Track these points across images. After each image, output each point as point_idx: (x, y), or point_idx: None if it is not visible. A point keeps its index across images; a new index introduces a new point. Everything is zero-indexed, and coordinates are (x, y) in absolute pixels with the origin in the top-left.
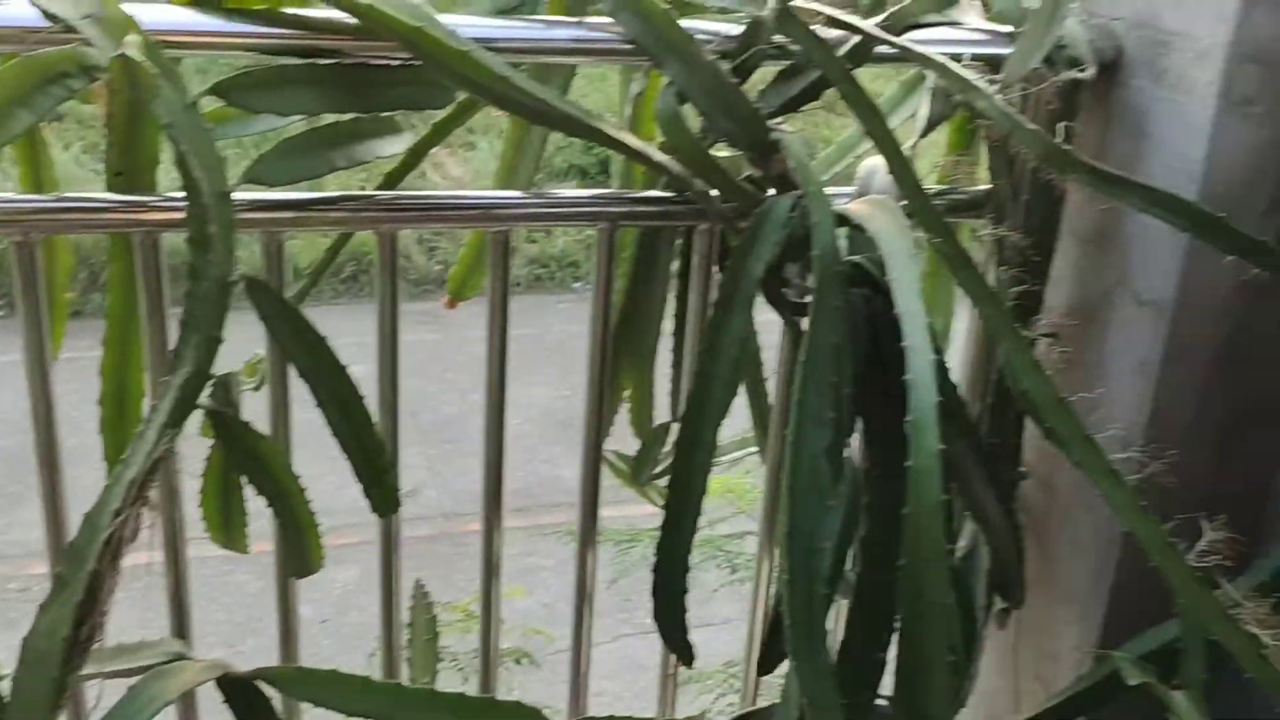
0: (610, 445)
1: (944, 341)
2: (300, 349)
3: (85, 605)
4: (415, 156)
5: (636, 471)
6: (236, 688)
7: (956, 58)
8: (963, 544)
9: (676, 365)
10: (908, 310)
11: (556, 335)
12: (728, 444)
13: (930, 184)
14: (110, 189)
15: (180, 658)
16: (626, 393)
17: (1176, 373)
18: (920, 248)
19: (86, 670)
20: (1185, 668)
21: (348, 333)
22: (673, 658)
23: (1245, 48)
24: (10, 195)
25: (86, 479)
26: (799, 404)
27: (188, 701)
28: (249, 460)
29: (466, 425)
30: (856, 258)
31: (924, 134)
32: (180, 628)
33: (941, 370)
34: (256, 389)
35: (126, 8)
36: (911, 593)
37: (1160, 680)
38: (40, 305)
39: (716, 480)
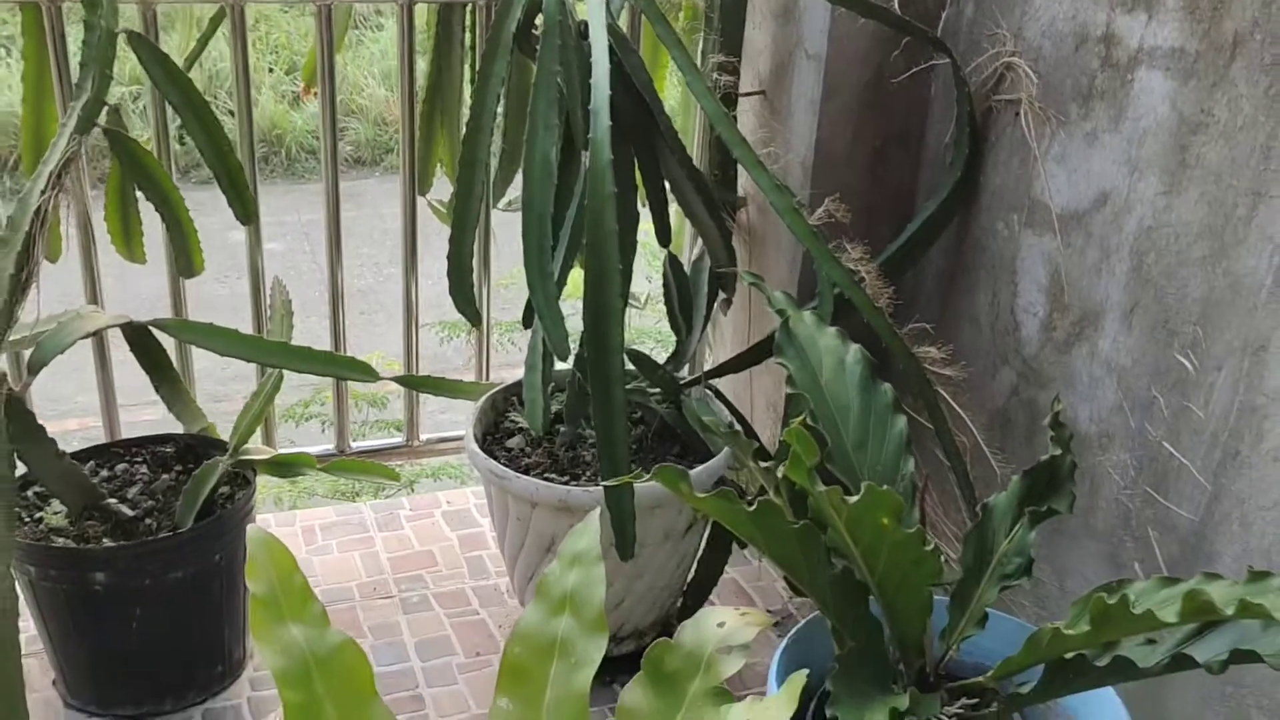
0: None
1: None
2: (172, 88)
3: (22, 257)
4: None
5: (450, 209)
6: (137, 334)
7: None
8: (696, 251)
9: None
10: (596, 58)
11: None
12: None
13: None
14: None
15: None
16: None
17: (834, 107)
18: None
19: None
20: (819, 297)
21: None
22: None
23: None
24: None
25: None
26: (531, 114)
27: (100, 342)
28: (138, 170)
29: (382, 297)
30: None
31: None
32: (93, 297)
33: (635, 108)
34: None
35: None
36: (591, 233)
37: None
38: None
39: None
